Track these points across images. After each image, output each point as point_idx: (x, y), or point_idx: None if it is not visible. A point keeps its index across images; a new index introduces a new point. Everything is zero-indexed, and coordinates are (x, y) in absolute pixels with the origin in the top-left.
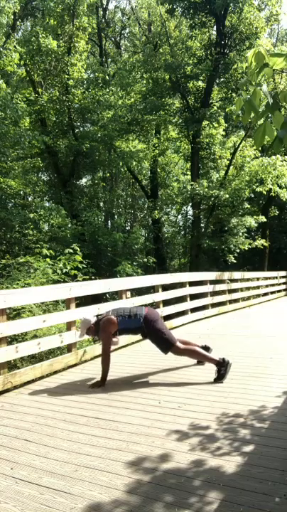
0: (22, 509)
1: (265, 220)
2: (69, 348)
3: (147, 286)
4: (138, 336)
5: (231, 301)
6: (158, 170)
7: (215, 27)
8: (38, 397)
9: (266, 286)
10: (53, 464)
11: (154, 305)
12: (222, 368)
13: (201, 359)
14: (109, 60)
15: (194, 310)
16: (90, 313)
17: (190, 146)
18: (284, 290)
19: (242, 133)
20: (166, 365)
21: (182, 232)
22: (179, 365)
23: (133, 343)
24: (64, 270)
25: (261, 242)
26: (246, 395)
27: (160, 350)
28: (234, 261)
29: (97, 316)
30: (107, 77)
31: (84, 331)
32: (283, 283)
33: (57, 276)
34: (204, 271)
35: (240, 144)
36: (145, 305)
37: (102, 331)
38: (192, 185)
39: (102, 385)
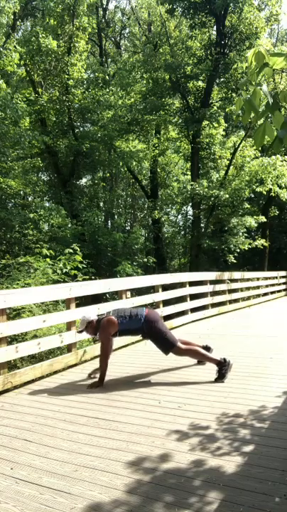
0: (22, 509)
1: (265, 220)
2: (69, 348)
3: (147, 286)
4: (138, 336)
5: (231, 301)
6: (158, 170)
7: (215, 27)
8: (38, 397)
9: (266, 286)
10: (53, 464)
11: (154, 305)
12: (223, 367)
13: (202, 359)
14: (109, 60)
15: (194, 310)
16: (91, 312)
17: (190, 146)
18: (284, 290)
19: (242, 133)
20: (166, 365)
21: (182, 232)
22: (179, 365)
23: (133, 343)
24: (64, 270)
25: (261, 242)
26: (246, 395)
27: (162, 350)
28: (234, 261)
29: (98, 315)
30: (107, 77)
31: (83, 327)
32: (283, 283)
33: (57, 276)
34: (204, 271)
35: (240, 144)
36: (146, 305)
37: (102, 332)
38: (192, 185)
39: (100, 385)
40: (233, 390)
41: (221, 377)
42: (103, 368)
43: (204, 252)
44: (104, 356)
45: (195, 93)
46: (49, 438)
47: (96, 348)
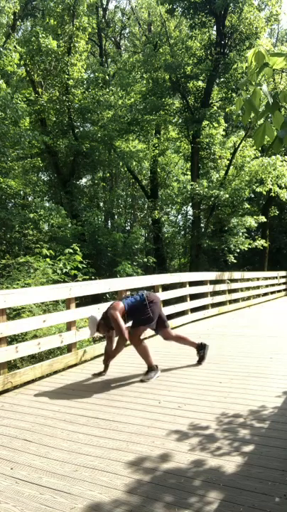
0: (22, 509)
1: (265, 220)
2: (69, 348)
3: (147, 286)
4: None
5: (231, 301)
6: (158, 170)
7: (215, 27)
8: (38, 397)
9: (266, 286)
10: (53, 464)
11: None
12: (201, 350)
13: (185, 343)
14: (109, 60)
15: (194, 310)
16: (95, 312)
17: (190, 146)
18: (284, 290)
19: (242, 133)
20: (166, 365)
21: (182, 232)
22: (179, 365)
23: None
24: (64, 270)
25: (261, 243)
26: (246, 395)
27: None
28: (234, 261)
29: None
30: (107, 77)
31: (94, 329)
32: (283, 283)
33: (57, 276)
34: (204, 271)
35: (240, 144)
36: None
37: (113, 319)
38: (192, 185)
39: (105, 370)
40: (233, 390)
41: (200, 359)
42: (119, 348)
43: (204, 252)
44: (123, 336)
45: (195, 93)
46: (49, 438)
47: (96, 348)
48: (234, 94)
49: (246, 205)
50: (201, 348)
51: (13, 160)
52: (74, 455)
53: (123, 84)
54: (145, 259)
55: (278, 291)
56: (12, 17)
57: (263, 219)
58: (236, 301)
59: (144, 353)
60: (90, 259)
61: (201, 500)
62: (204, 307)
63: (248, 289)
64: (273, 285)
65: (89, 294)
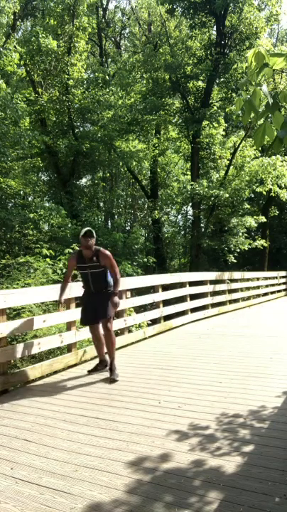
0: (22, 509)
1: (265, 220)
2: (69, 348)
3: (147, 286)
4: (139, 336)
5: (231, 301)
6: (158, 170)
7: (215, 27)
8: (38, 397)
9: (266, 286)
10: (53, 464)
11: (154, 305)
12: (99, 367)
13: (97, 349)
14: (109, 60)
15: (194, 310)
16: None
17: (190, 146)
18: (284, 290)
19: (242, 133)
20: (166, 365)
21: (182, 232)
22: (179, 365)
23: (132, 343)
24: (64, 270)
25: (261, 243)
26: (246, 395)
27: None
28: (234, 261)
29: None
30: (107, 77)
31: (91, 239)
32: (283, 283)
33: (57, 276)
34: (204, 271)
35: (240, 144)
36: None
37: (110, 260)
38: (192, 185)
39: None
40: (233, 390)
41: (92, 370)
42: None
43: (204, 252)
44: (117, 274)
45: (195, 93)
46: (49, 438)
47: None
48: (234, 94)
49: (246, 205)
50: (100, 367)
51: (13, 160)
52: (74, 455)
53: (123, 84)
54: (145, 259)
55: (278, 291)
56: (12, 17)
57: (263, 219)
58: (236, 301)
59: (113, 342)
60: None
61: (201, 500)
62: (204, 307)
63: (248, 289)
64: (273, 285)
65: None
